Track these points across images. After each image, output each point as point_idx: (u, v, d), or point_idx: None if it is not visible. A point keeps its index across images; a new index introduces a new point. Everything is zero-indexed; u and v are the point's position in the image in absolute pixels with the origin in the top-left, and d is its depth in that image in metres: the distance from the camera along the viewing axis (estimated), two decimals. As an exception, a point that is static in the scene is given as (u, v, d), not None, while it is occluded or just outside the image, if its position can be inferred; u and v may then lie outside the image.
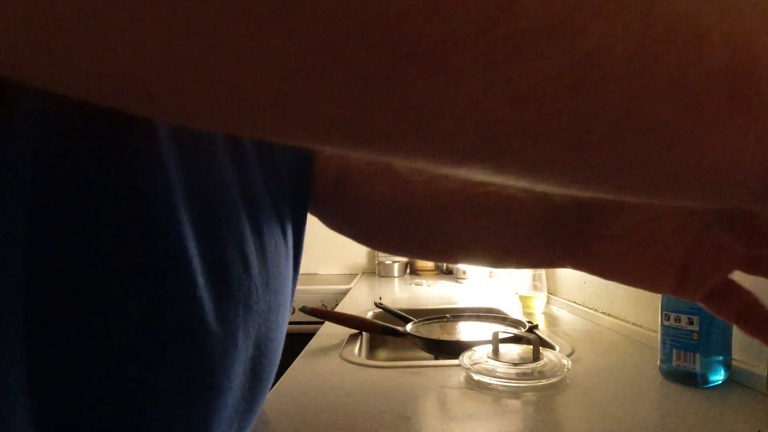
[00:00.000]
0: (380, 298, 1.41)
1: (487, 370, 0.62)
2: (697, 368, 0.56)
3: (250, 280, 0.32)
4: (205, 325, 0.28)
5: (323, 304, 1.78)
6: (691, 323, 0.56)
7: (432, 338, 0.88)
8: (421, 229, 0.37)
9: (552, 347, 0.80)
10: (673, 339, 0.58)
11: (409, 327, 0.93)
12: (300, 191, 0.40)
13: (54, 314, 0.23)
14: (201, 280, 0.27)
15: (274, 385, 0.63)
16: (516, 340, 0.78)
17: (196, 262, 0.27)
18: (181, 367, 0.27)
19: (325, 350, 0.81)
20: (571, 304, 1.12)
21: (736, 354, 0.59)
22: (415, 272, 2.24)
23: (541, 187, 0.16)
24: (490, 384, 0.60)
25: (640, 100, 0.12)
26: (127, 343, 0.25)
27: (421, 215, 0.37)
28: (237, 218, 0.31)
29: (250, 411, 0.37)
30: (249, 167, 0.33)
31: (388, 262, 2.18)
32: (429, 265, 2.18)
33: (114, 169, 0.23)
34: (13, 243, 0.22)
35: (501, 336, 0.70)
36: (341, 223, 0.44)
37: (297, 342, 0.89)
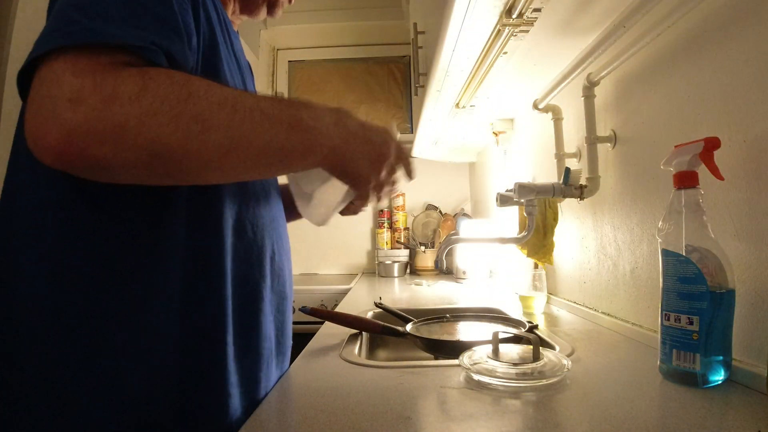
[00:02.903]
0: (380, 298, 1.41)
1: (487, 370, 0.62)
2: (697, 368, 0.56)
3: (281, 256, 0.70)
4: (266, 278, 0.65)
5: (323, 304, 1.78)
6: (691, 323, 0.56)
7: (432, 338, 0.88)
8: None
9: (552, 347, 0.80)
10: (673, 339, 0.58)
11: (409, 327, 0.93)
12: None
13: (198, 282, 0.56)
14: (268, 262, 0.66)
15: (274, 385, 0.63)
16: (516, 340, 0.77)
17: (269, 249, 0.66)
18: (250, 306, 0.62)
19: (325, 350, 0.81)
20: (571, 304, 1.12)
21: (736, 354, 0.59)
22: (415, 272, 2.24)
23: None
24: (490, 384, 0.60)
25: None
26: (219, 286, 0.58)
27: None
28: (271, 220, 0.69)
29: (281, 355, 0.70)
30: (270, 187, 0.71)
31: (388, 262, 2.18)
32: (429, 265, 2.18)
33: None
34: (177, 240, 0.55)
35: (501, 336, 0.70)
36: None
37: (297, 342, 0.89)
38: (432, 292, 1.59)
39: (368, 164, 0.56)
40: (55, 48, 0.42)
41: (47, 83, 0.42)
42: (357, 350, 0.82)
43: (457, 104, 1.34)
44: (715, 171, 0.57)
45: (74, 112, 0.40)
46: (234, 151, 0.46)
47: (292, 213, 0.76)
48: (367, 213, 2.43)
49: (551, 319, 1.05)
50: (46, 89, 0.42)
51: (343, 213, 0.72)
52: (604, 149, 0.96)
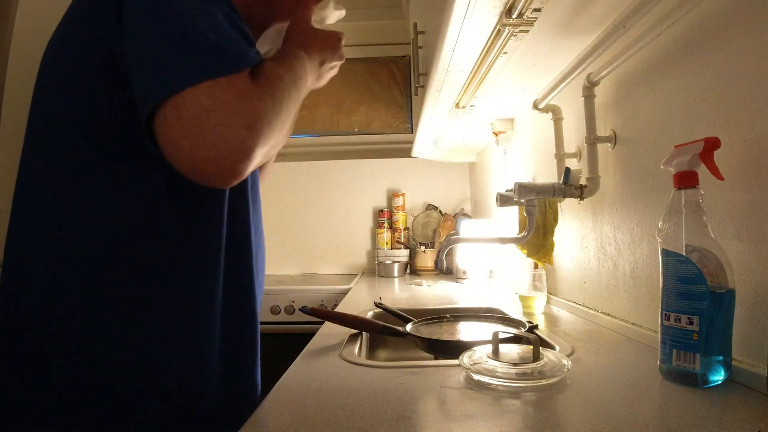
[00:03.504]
0: (380, 298, 1.41)
1: (487, 370, 0.62)
2: (697, 368, 0.56)
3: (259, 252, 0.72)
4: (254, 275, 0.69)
5: (323, 304, 1.78)
6: (691, 323, 0.56)
7: (432, 338, 0.88)
8: None
9: (552, 347, 0.80)
10: (673, 339, 0.58)
11: (409, 327, 0.93)
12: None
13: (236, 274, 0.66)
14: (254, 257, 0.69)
15: (274, 384, 0.63)
16: (516, 340, 0.77)
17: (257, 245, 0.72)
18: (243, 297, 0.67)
19: (325, 350, 0.81)
20: (571, 304, 1.12)
21: (736, 354, 0.59)
22: (415, 272, 2.24)
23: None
24: (490, 384, 0.60)
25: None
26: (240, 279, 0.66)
27: None
28: (255, 218, 0.71)
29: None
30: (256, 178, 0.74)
31: (388, 262, 2.18)
32: (429, 265, 2.18)
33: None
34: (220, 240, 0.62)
35: (501, 336, 0.70)
36: None
37: (297, 342, 0.89)
38: (432, 292, 1.59)
39: (324, 81, 0.76)
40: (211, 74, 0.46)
41: (218, 111, 0.45)
42: (357, 350, 0.82)
43: (457, 104, 1.34)
44: (715, 171, 0.57)
45: (254, 137, 0.46)
46: (292, 118, 0.58)
47: None
48: (367, 213, 2.44)
49: (551, 319, 1.05)
50: (222, 117, 0.45)
51: None
52: (604, 149, 0.96)
